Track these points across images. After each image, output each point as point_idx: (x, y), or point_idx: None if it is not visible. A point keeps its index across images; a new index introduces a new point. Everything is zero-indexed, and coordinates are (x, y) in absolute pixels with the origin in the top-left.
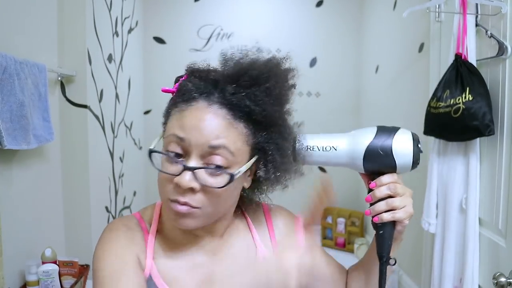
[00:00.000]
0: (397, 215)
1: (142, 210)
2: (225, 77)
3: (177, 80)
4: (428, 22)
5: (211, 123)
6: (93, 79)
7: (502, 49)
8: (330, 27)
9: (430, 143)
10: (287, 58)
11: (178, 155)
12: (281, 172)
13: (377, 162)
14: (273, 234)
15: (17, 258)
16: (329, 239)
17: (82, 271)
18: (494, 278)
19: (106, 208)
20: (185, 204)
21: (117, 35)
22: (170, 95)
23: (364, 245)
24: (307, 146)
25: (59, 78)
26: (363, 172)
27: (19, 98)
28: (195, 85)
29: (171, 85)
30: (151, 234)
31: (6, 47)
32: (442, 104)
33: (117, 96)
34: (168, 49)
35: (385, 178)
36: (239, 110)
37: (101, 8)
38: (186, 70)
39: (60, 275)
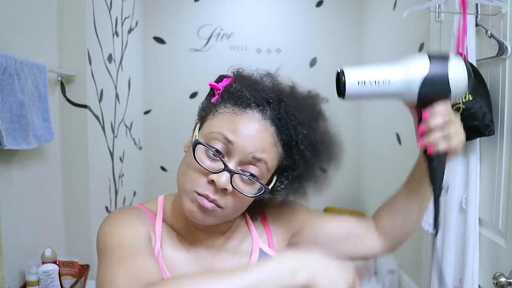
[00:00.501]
0: (453, 143)
1: (145, 203)
2: (276, 95)
3: (220, 78)
4: (428, 22)
5: (262, 136)
6: (93, 79)
7: (502, 49)
8: (330, 27)
9: None
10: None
11: (218, 152)
12: (292, 191)
13: (433, 91)
14: (267, 225)
15: (17, 258)
16: None
17: (82, 271)
18: (494, 278)
19: (106, 208)
20: (212, 201)
21: (117, 35)
22: (172, 95)
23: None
24: (358, 81)
25: (59, 78)
26: (414, 102)
27: (19, 98)
28: (252, 95)
29: (171, 85)
30: (158, 220)
31: (6, 47)
32: None
33: (117, 96)
34: (168, 49)
35: (440, 106)
36: (284, 133)
37: (101, 8)
38: (233, 73)
39: (60, 275)
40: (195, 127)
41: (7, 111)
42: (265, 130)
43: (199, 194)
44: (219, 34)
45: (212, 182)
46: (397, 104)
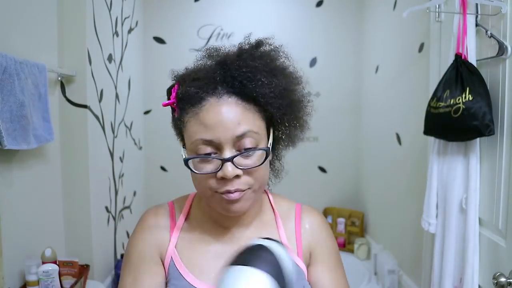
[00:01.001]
0: None
1: (176, 199)
2: (220, 65)
3: (169, 91)
4: (428, 22)
5: (229, 115)
6: (93, 79)
7: (502, 49)
8: (330, 27)
9: (430, 143)
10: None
11: (208, 154)
12: (292, 133)
13: None
14: (299, 233)
15: (17, 258)
16: None
17: (82, 271)
18: (494, 278)
19: (106, 208)
20: (236, 190)
21: (117, 35)
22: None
23: (364, 245)
24: None
25: (59, 78)
26: None
27: (19, 98)
28: (197, 87)
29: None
30: (178, 223)
31: (6, 47)
32: (442, 104)
33: (117, 96)
34: (168, 49)
35: None
36: (246, 92)
37: (101, 8)
38: (174, 78)
39: (60, 275)
40: (181, 145)
41: (7, 111)
42: (228, 106)
43: (222, 193)
44: (219, 34)
45: (222, 178)
46: (397, 104)
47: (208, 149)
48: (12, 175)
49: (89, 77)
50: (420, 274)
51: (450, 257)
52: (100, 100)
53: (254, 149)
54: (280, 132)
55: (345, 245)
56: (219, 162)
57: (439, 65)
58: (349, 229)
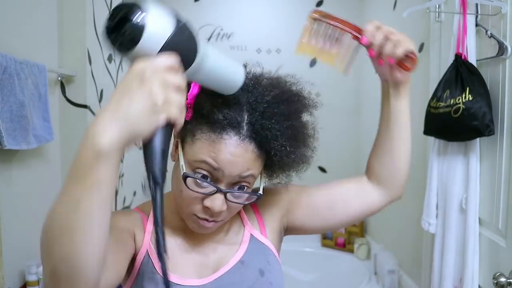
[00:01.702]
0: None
1: (141, 205)
2: (252, 104)
3: (188, 84)
4: (428, 22)
5: (244, 158)
6: (93, 79)
7: (502, 49)
8: None
9: (430, 143)
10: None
11: (205, 176)
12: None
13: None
14: (260, 216)
15: (17, 258)
16: (329, 239)
17: None
18: (494, 278)
19: None
20: (213, 221)
21: None
22: None
23: (364, 245)
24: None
25: (59, 78)
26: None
27: (19, 98)
28: (224, 115)
29: None
30: (150, 219)
31: (6, 47)
32: (442, 104)
33: None
34: None
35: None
36: (264, 142)
37: (101, 8)
38: None
39: None
40: (176, 146)
41: (7, 111)
42: (245, 151)
43: (199, 218)
44: (219, 34)
45: (208, 208)
46: None
47: (206, 172)
48: (12, 175)
49: (89, 77)
50: (420, 274)
51: (450, 257)
52: (100, 100)
53: (247, 190)
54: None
55: (345, 245)
56: (213, 190)
57: (439, 65)
58: (349, 229)
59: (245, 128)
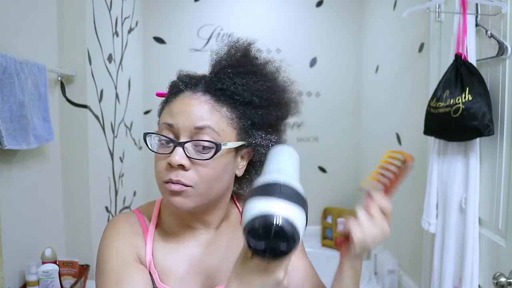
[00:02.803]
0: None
1: (141, 207)
2: (210, 71)
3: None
4: (428, 22)
5: (195, 108)
6: (93, 79)
7: (502, 49)
8: (330, 27)
9: (430, 143)
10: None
11: (169, 141)
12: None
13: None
14: None
15: (17, 258)
16: (329, 239)
17: (82, 271)
18: (494, 278)
19: (106, 208)
20: (177, 182)
21: (117, 35)
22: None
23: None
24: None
25: (59, 78)
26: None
27: (19, 98)
28: (182, 80)
29: None
30: (150, 229)
31: (6, 47)
32: (442, 104)
33: (117, 96)
34: (168, 49)
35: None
36: (221, 95)
37: (101, 8)
38: (176, 75)
39: (60, 275)
40: None
41: (7, 111)
42: (197, 101)
43: (165, 182)
44: (219, 34)
45: (170, 165)
46: (397, 104)
47: (170, 136)
48: (12, 175)
49: (89, 77)
50: (420, 274)
51: (450, 257)
52: (100, 100)
53: (207, 141)
54: (258, 138)
55: None
56: (172, 146)
57: (439, 65)
58: None
59: (200, 86)
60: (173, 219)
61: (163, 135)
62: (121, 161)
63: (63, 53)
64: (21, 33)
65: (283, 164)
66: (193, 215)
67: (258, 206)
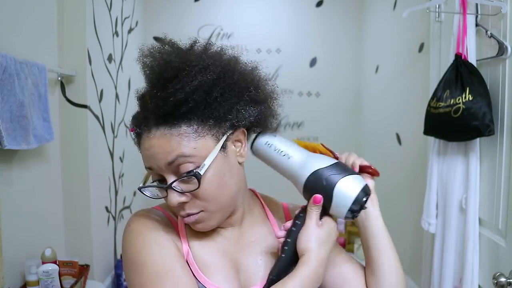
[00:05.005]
0: None
1: (162, 204)
2: (145, 98)
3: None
4: (428, 22)
5: (157, 146)
6: (93, 79)
7: (502, 49)
8: (330, 27)
9: (430, 143)
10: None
11: (159, 181)
12: (261, 116)
13: (317, 190)
14: (288, 214)
15: (17, 258)
16: None
17: (82, 271)
18: (494, 278)
19: (106, 208)
20: (188, 215)
21: (117, 35)
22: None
23: None
24: (267, 142)
25: (59, 78)
26: (301, 190)
27: (19, 98)
28: (135, 124)
29: None
30: (180, 221)
31: (6, 47)
32: (442, 104)
33: (117, 96)
34: None
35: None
36: (170, 117)
37: (101, 8)
38: (135, 99)
39: (60, 275)
40: None
41: (7, 111)
42: (156, 139)
43: (182, 216)
44: (219, 34)
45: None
46: (397, 104)
47: (156, 177)
48: (12, 175)
49: (89, 77)
50: (420, 274)
51: (450, 257)
52: (100, 100)
53: (190, 172)
54: (239, 120)
55: (345, 245)
56: (165, 190)
57: (439, 65)
58: (349, 229)
59: (150, 121)
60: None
61: (151, 185)
62: (121, 161)
63: (63, 53)
64: (21, 33)
65: (294, 147)
66: None
67: (351, 185)
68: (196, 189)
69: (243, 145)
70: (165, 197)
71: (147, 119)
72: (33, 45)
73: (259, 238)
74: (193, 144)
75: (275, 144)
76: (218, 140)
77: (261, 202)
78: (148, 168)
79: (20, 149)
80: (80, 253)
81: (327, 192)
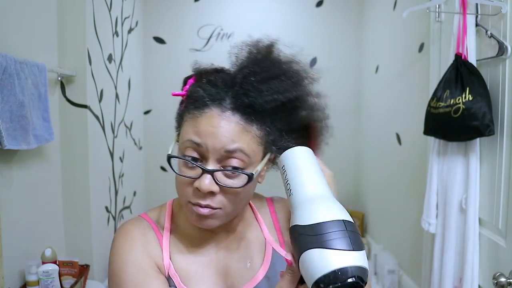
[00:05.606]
0: None
1: (149, 211)
2: (234, 78)
3: (185, 81)
4: (428, 22)
5: (226, 130)
6: (93, 79)
7: (502, 49)
8: (330, 27)
9: (430, 143)
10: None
11: (195, 159)
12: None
13: (293, 249)
14: (278, 227)
15: (17, 258)
16: None
17: (82, 271)
18: (494, 278)
19: (106, 208)
20: (206, 206)
21: (117, 35)
22: (171, 95)
23: (364, 245)
24: (283, 166)
25: (59, 78)
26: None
27: (19, 98)
28: (207, 92)
29: (171, 85)
30: (165, 233)
31: (6, 47)
32: (442, 104)
33: (117, 96)
34: (168, 49)
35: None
36: (251, 112)
37: (101, 8)
38: (193, 71)
39: (60, 275)
40: (175, 139)
41: (7, 111)
42: (228, 122)
43: (192, 204)
44: (219, 34)
45: (197, 189)
46: (397, 104)
47: (195, 154)
48: (12, 175)
49: (89, 77)
50: (420, 274)
51: (450, 257)
52: (100, 100)
53: (238, 169)
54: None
55: None
56: (200, 171)
57: (439, 65)
58: None
59: (227, 101)
60: (191, 223)
61: (192, 162)
62: (121, 161)
63: (63, 53)
64: (21, 33)
65: (311, 176)
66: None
67: (326, 260)
68: (240, 187)
69: (266, 169)
70: (193, 178)
71: (226, 94)
72: (33, 45)
73: (248, 241)
74: (254, 147)
75: (287, 171)
76: (265, 154)
77: (250, 204)
78: (196, 143)
79: (20, 149)
80: (80, 253)
81: (296, 259)
